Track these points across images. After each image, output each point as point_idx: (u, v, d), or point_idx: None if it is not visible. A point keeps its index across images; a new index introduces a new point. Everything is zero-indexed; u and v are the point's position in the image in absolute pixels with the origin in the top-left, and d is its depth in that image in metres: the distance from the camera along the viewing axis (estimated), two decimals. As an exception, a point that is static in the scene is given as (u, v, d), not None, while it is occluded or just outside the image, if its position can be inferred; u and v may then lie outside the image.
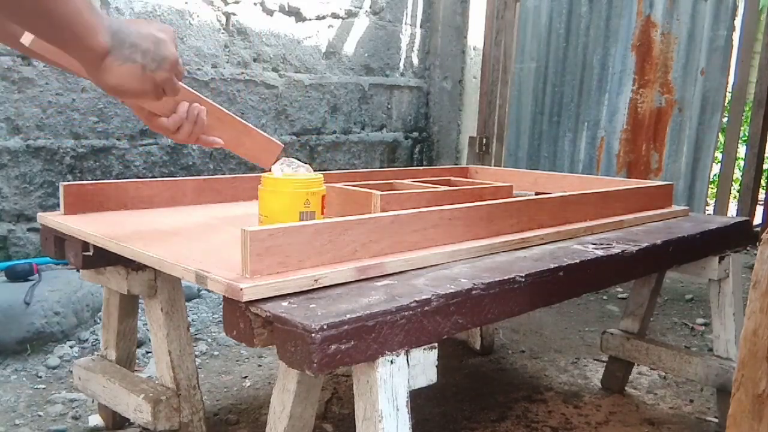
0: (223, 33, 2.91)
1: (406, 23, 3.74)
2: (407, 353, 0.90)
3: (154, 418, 1.35)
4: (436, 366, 0.94)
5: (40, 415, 1.71)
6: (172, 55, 0.96)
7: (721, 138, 3.72)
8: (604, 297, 2.94)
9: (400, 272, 1.05)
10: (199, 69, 2.84)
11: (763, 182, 4.06)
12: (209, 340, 2.28)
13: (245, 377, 2.00)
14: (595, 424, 1.75)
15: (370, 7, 3.51)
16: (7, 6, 0.76)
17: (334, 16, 3.35)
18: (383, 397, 0.87)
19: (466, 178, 2.05)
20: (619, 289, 2.99)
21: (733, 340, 1.66)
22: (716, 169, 3.35)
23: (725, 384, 1.64)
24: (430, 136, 4.01)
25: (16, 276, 2.21)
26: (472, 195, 1.46)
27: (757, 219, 3.24)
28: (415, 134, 3.93)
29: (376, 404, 0.87)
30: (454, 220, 1.19)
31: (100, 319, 2.27)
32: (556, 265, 1.13)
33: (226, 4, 2.90)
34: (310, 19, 3.23)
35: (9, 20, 0.84)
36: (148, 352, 2.10)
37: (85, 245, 1.30)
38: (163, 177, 2.71)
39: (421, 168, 2.37)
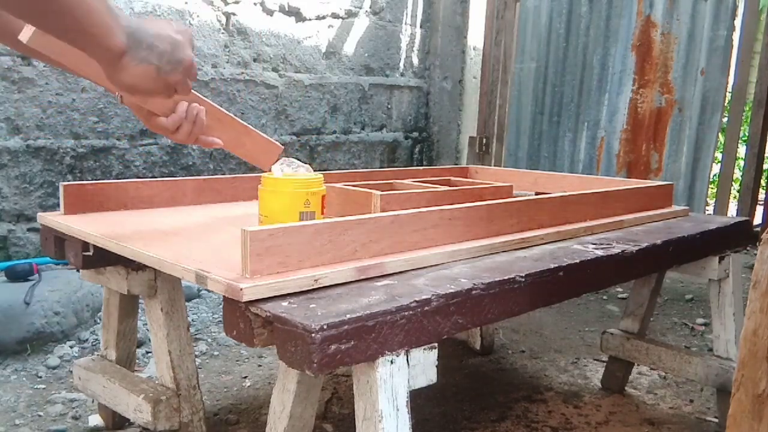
0: (223, 33, 2.91)
1: (406, 23, 3.74)
2: (407, 353, 0.90)
3: (154, 418, 1.35)
4: (436, 366, 0.94)
5: (40, 415, 1.71)
6: (188, 57, 0.97)
7: (721, 138, 3.72)
8: (604, 297, 2.94)
9: (400, 272, 1.05)
10: (199, 69, 2.84)
11: (763, 182, 4.06)
12: (209, 340, 2.28)
13: (245, 377, 2.00)
14: (595, 424, 1.75)
15: (370, 7, 3.51)
16: (28, 7, 0.77)
17: (334, 16, 3.35)
18: (383, 397, 0.87)
19: (466, 178, 2.05)
20: (619, 289, 2.99)
21: (733, 340, 1.66)
22: (716, 169, 3.35)
23: (725, 384, 1.64)
24: (430, 136, 4.01)
25: (16, 276, 2.21)
26: (472, 195, 1.46)
27: (757, 219, 3.24)
28: (415, 134, 3.92)
29: (376, 404, 0.87)
30: (454, 220, 1.19)
31: (100, 319, 2.27)
32: (556, 265, 1.13)
33: (226, 4, 2.90)
34: (310, 19, 3.23)
35: (28, 21, 0.85)
36: (148, 352, 2.10)
37: (85, 245, 1.30)
38: (163, 177, 2.71)
39: (421, 168, 2.37)
